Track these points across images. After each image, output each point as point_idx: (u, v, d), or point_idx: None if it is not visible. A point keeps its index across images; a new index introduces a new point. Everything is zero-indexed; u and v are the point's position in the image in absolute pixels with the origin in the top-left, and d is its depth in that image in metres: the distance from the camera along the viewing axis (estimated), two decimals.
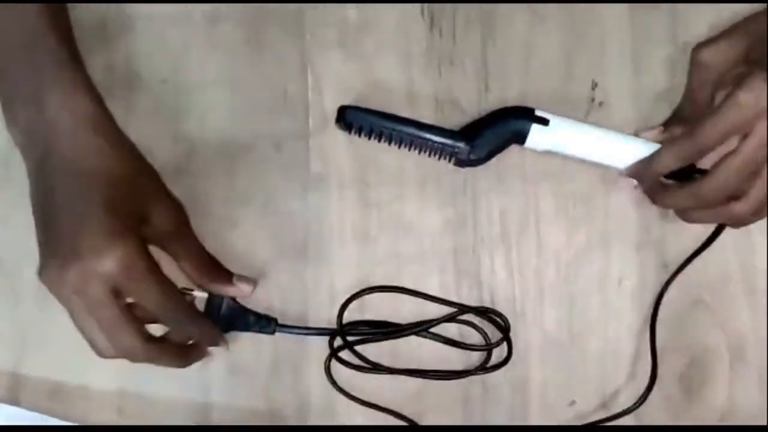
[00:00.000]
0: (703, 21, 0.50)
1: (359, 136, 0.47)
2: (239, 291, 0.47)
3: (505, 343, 0.50)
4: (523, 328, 0.50)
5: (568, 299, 0.51)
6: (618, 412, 0.49)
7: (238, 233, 0.50)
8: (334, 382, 0.50)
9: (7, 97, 0.41)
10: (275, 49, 0.51)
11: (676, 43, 0.51)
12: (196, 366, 0.46)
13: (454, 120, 0.50)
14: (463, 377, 0.50)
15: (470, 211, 0.51)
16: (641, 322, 0.51)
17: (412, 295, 0.50)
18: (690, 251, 0.50)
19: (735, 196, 0.44)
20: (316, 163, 0.50)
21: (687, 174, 0.46)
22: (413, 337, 0.50)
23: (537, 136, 0.47)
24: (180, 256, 0.45)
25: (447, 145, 0.47)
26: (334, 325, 0.50)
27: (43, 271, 0.39)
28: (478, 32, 0.51)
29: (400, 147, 0.48)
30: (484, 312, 0.50)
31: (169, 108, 0.50)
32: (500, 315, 0.50)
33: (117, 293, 0.39)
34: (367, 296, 0.50)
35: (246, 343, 0.50)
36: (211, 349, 0.48)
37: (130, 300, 0.40)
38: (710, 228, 0.49)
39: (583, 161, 0.49)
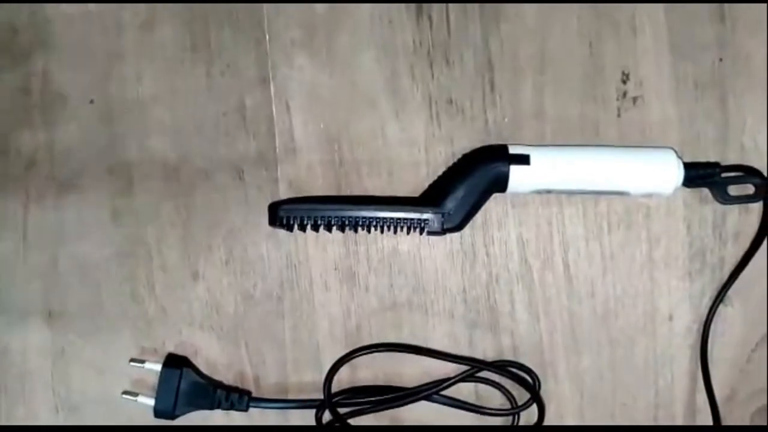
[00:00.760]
0: None
1: (304, 232, 0.44)
2: None
3: (534, 405, 0.45)
4: (554, 382, 0.46)
5: (608, 344, 0.47)
6: None
7: (199, 287, 0.46)
8: None
9: None
10: (227, 54, 0.47)
11: (723, 19, 0.47)
12: None
13: (455, 131, 0.46)
14: None
15: (480, 241, 0.46)
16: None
17: (415, 353, 0.45)
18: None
19: None
20: (287, 194, 0.46)
21: (709, 172, 0.44)
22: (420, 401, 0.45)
23: (520, 179, 0.43)
24: None
25: (412, 220, 0.43)
26: (320, 394, 0.45)
27: None
28: (478, 19, 0.46)
29: (357, 232, 0.44)
30: (505, 367, 0.45)
31: (100, 135, 0.47)
32: (526, 369, 0.46)
33: None
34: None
35: (217, 420, 0.46)
36: None
37: None
38: None
39: (583, 193, 0.45)
